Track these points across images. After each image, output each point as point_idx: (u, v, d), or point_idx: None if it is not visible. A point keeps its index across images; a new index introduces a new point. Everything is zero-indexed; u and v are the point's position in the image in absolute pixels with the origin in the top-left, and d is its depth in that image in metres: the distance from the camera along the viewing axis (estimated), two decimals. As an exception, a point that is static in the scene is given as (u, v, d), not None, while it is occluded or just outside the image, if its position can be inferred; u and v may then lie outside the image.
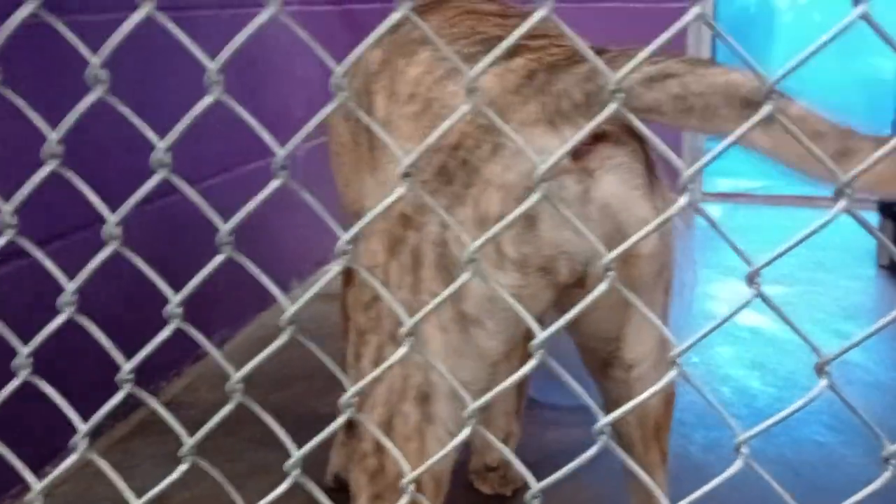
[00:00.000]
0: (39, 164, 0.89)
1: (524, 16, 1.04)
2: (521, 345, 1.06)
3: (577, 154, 0.89)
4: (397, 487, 0.87)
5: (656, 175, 0.95)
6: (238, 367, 0.86)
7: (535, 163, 0.65)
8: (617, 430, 1.11)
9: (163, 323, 0.85)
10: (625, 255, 0.79)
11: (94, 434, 1.80)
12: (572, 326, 0.93)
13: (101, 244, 0.85)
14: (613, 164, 0.91)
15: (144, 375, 1.98)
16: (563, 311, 0.85)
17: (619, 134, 0.91)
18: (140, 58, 1.90)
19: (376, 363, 0.90)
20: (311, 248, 2.82)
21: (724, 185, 4.17)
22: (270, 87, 2.50)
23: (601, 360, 1.06)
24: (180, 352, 2.12)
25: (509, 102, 0.90)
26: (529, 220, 0.90)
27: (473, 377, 0.95)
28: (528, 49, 0.94)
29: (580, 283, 0.93)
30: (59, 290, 0.93)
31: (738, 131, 0.64)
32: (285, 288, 2.69)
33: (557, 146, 0.77)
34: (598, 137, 0.90)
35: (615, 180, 0.91)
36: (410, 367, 0.95)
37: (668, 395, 1.13)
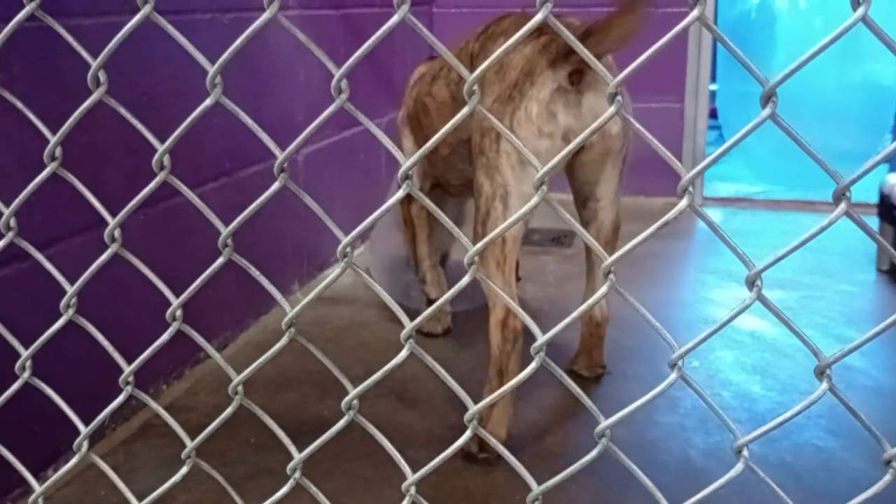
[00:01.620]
0: (38, 167, 0.90)
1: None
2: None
3: (573, 83, 1.72)
4: (494, 245, 1.79)
5: (624, 93, 1.75)
6: (239, 370, 0.86)
7: (537, 168, 0.66)
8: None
9: (160, 326, 0.86)
10: (603, 134, 1.80)
11: (96, 437, 1.81)
12: (573, 175, 1.92)
13: (97, 249, 0.86)
14: (593, 87, 1.73)
15: (144, 379, 1.98)
16: (571, 172, 1.91)
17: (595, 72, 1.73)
18: (139, 62, 1.90)
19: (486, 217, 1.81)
20: (312, 252, 2.82)
21: (724, 189, 4.18)
22: (272, 92, 2.50)
23: (584, 197, 1.95)
24: (180, 355, 2.12)
25: (537, 59, 1.75)
26: (552, 113, 1.73)
27: (529, 190, 1.73)
28: (549, 31, 1.73)
29: (583, 147, 1.81)
30: (57, 293, 0.94)
31: (739, 134, 0.64)
32: (286, 292, 2.69)
33: (556, 77, 1.72)
34: (584, 72, 1.72)
35: (593, 95, 1.73)
36: (497, 185, 1.77)
37: (617, 224, 1.99)
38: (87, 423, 0.99)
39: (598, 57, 1.62)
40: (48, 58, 1.62)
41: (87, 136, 1.74)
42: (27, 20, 0.86)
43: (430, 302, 2.50)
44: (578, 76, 1.71)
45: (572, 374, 2.16)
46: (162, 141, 0.78)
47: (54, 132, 0.85)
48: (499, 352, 1.77)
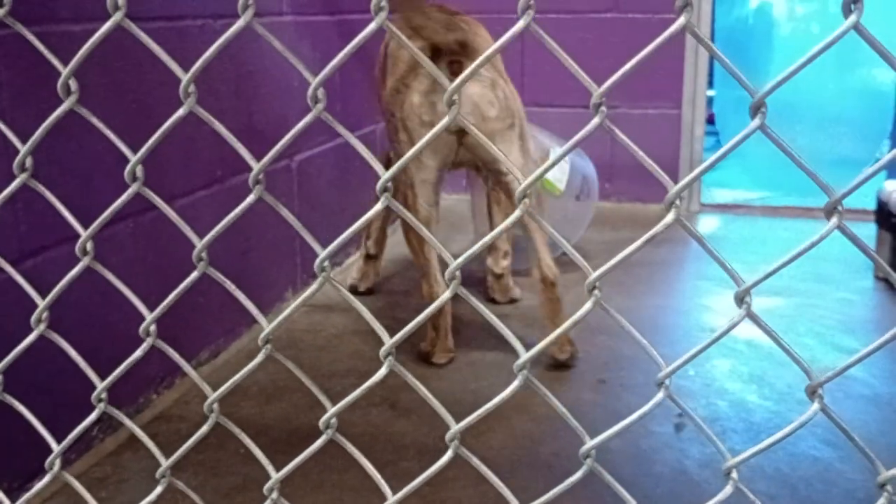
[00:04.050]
0: (11, 177, 0.88)
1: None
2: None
3: (454, 72, 1.92)
4: (410, 232, 2.22)
5: (500, 80, 2.07)
6: (230, 378, 0.84)
7: (520, 180, 0.64)
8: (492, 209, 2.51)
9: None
10: (482, 118, 2.01)
11: (83, 448, 1.79)
12: (474, 158, 2.11)
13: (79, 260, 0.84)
14: (475, 79, 1.98)
15: (134, 388, 1.96)
16: (471, 157, 2.14)
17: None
18: (129, 67, 1.88)
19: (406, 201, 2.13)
20: (305, 258, 2.80)
21: (721, 196, 4.15)
22: (265, 98, 2.48)
23: (492, 174, 2.16)
24: (171, 364, 2.10)
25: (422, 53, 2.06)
26: (432, 103, 1.99)
27: (428, 176, 2.08)
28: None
29: (462, 133, 1.98)
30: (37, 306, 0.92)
31: (733, 141, 0.62)
32: (279, 299, 2.67)
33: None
34: (462, 62, 1.94)
35: (471, 83, 1.97)
36: (405, 174, 2.06)
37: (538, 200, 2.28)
38: (67, 436, 0.97)
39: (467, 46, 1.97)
40: (36, 64, 1.60)
41: (75, 142, 1.72)
42: (6, 27, 0.84)
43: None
44: (458, 66, 1.94)
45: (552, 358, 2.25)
46: (152, 148, 0.76)
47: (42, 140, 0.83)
48: (432, 316, 2.19)
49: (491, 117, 2.03)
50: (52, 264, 1.66)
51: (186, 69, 0.73)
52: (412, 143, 2.05)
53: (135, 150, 0.77)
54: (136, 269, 1.95)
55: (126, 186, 1.98)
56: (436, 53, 1.94)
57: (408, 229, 2.24)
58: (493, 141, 2.05)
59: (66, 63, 0.80)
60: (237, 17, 2.18)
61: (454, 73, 1.93)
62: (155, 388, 2.05)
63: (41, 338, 0.87)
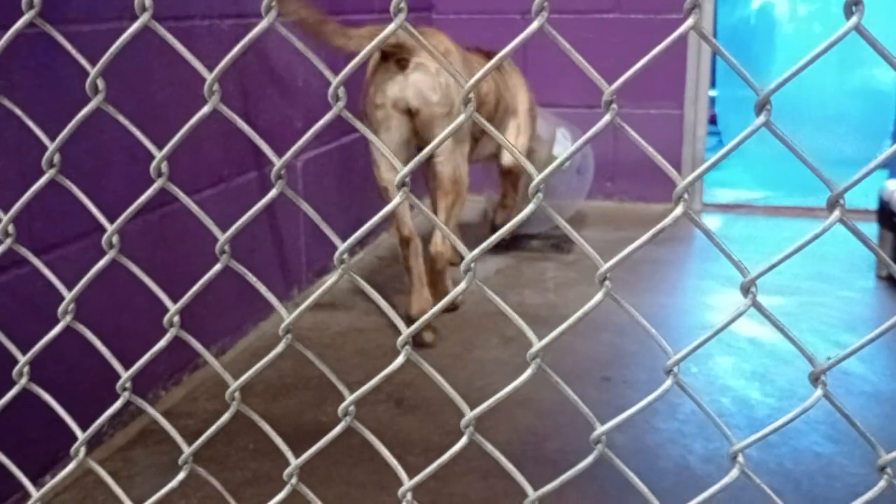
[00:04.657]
0: (37, 172, 0.90)
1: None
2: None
3: (402, 67, 2.30)
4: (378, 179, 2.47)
5: (439, 69, 2.32)
6: (237, 376, 0.87)
7: (532, 175, 0.67)
8: (430, 187, 2.61)
9: (159, 332, 0.86)
10: (425, 101, 2.33)
11: (94, 442, 1.81)
12: (418, 138, 2.39)
13: (97, 254, 0.86)
14: (417, 69, 2.30)
15: (143, 384, 1.98)
16: (417, 136, 2.42)
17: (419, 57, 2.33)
18: (139, 67, 1.91)
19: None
20: (311, 257, 2.82)
21: (723, 195, 4.17)
22: (270, 98, 2.50)
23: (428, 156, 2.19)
24: (178, 361, 2.12)
25: (377, 55, 2.36)
26: (381, 88, 2.31)
27: (393, 151, 2.24)
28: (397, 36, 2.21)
29: (414, 113, 2.33)
30: (56, 299, 0.94)
31: (733, 142, 0.65)
32: (285, 298, 2.69)
33: (387, 66, 2.34)
34: (409, 59, 2.29)
35: (416, 74, 2.31)
36: (371, 153, 2.50)
37: (454, 177, 2.43)
38: (85, 429, 0.99)
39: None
40: (48, 63, 1.63)
41: (88, 141, 1.74)
42: (27, 27, 0.86)
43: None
44: (405, 62, 2.31)
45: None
46: (161, 146, 0.79)
47: (54, 138, 0.85)
48: (402, 257, 2.48)
49: (433, 102, 2.33)
50: (64, 260, 1.69)
51: (197, 68, 0.75)
52: (371, 126, 2.38)
53: (143, 149, 0.79)
54: (145, 266, 1.98)
55: (135, 183, 2.01)
56: (384, 56, 2.31)
57: (378, 195, 2.52)
58: (433, 125, 2.34)
59: (77, 62, 0.83)
60: (242, 17, 2.20)
61: (402, 68, 2.30)
62: (163, 385, 2.07)
63: (42, 335, 0.90)
